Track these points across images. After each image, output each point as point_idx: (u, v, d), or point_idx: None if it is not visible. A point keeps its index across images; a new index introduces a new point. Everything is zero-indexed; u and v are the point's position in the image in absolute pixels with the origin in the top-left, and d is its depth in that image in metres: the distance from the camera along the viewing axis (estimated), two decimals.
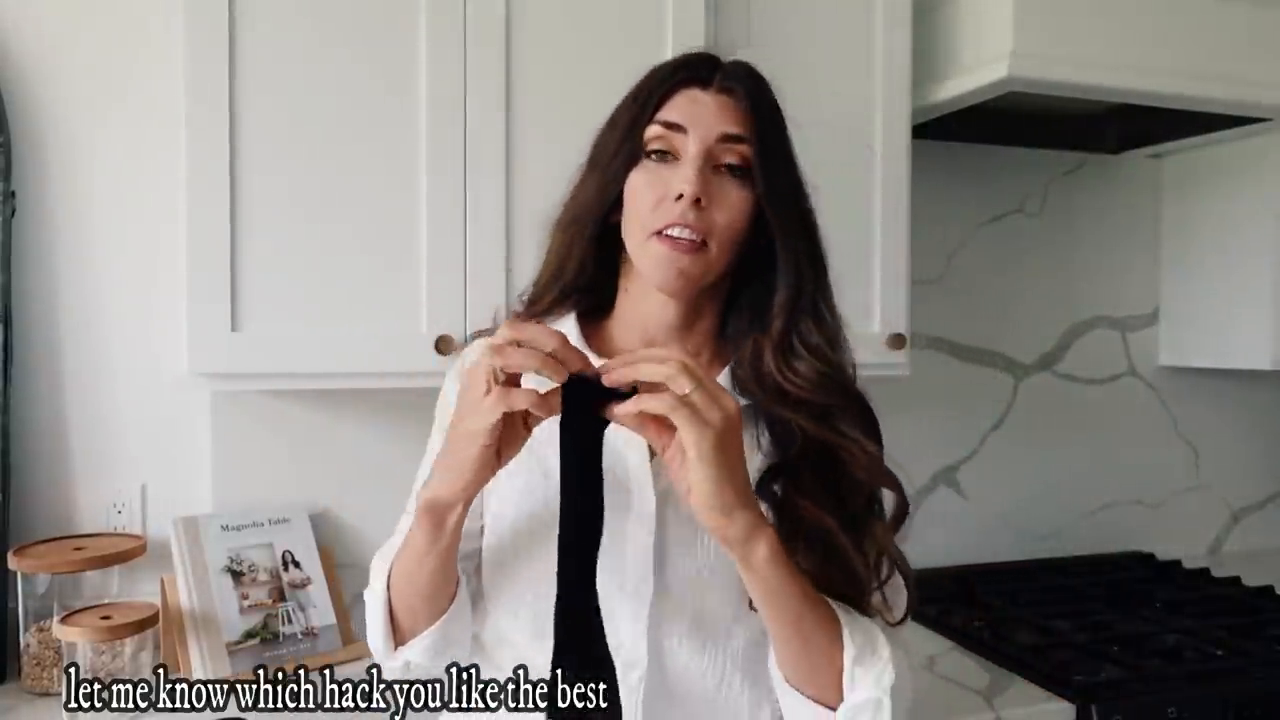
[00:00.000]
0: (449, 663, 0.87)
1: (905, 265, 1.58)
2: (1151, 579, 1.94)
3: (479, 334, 1.01)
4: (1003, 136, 1.94)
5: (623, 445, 0.85)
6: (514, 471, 0.82)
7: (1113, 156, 2.11)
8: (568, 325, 0.92)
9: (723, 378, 0.89)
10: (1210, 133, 1.89)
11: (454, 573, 0.86)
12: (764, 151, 0.85)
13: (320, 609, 1.47)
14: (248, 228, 1.26)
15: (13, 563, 1.33)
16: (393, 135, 1.31)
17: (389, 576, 0.87)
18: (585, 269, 0.91)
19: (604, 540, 0.76)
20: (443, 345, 1.31)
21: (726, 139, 0.84)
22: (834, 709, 0.79)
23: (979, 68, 1.55)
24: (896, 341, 1.56)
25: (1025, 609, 1.71)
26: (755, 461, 0.84)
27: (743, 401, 0.81)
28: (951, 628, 1.62)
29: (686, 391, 0.69)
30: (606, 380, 0.72)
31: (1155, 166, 2.16)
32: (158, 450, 1.51)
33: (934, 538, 1.98)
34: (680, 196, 0.82)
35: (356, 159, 1.30)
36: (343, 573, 1.56)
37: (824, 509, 0.82)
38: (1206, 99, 1.61)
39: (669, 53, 1.39)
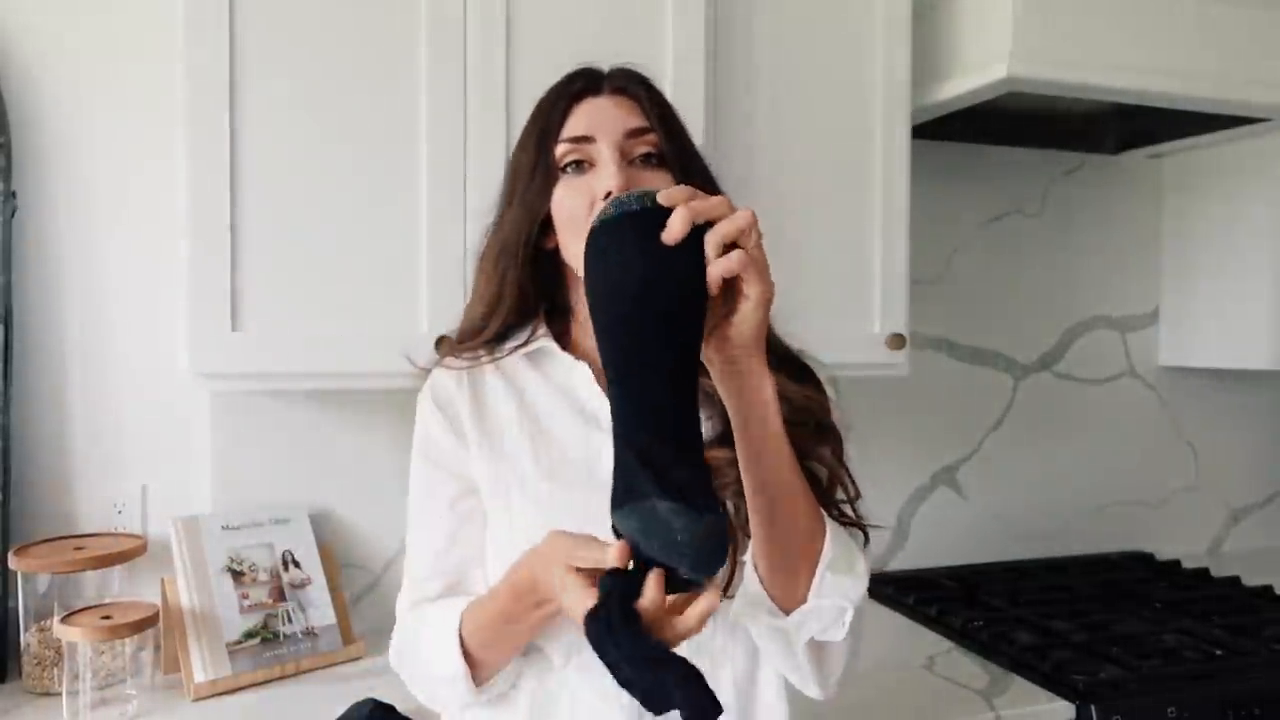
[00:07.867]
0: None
1: (905, 265, 1.58)
2: (1151, 579, 1.94)
3: (443, 355, 1.01)
4: (1003, 136, 1.94)
5: (583, 383, 0.92)
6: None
7: (1113, 156, 2.11)
8: (541, 335, 0.94)
9: None
10: (1210, 133, 1.89)
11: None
12: (670, 133, 0.89)
13: (320, 609, 1.47)
14: (248, 228, 1.26)
15: (13, 562, 1.33)
16: (393, 134, 1.31)
17: (460, 633, 0.87)
18: (526, 295, 0.92)
19: (583, 474, 0.89)
20: (443, 345, 1.31)
21: (633, 133, 0.88)
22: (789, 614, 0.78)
23: (979, 68, 1.55)
24: (896, 341, 1.56)
25: (1025, 609, 1.71)
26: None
27: None
28: (951, 628, 1.62)
29: (752, 245, 0.68)
30: (689, 207, 0.67)
31: (1155, 166, 2.16)
32: (158, 450, 1.51)
33: (934, 538, 1.99)
34: (609, 194, 0.84)
35: (357, 158, 1.30)
36: (343, 573, 1.56)
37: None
38: (1207, 99, 1.61)
39: (669, 55, 1.39)
